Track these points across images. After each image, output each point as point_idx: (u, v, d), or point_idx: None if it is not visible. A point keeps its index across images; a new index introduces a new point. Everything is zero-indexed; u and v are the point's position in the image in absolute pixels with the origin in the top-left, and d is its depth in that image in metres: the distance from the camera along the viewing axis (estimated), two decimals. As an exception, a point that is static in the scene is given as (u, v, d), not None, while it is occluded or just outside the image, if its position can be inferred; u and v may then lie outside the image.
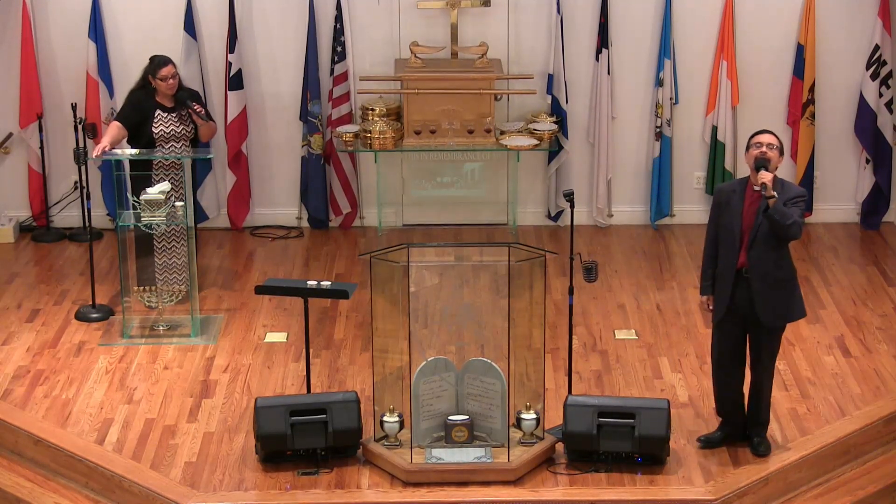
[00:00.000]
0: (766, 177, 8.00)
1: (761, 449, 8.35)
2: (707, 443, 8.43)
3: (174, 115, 10.05)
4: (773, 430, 8.61)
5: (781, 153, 8.18)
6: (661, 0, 11.44)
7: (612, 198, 11.90)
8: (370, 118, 11.33)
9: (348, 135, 11.26)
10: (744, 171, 11.86)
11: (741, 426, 8.45)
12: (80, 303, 10.38)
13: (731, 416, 8.45)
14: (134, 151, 9.93)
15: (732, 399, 8.42)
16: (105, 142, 9.86)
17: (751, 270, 8.08)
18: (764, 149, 8.09)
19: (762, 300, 8.09)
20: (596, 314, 10.26)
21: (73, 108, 11.22)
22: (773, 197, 7.94)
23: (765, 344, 8.22)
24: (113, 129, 10.00)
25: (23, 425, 8.70)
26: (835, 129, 11.76)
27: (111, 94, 11.44)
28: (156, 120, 10.01)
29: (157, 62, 10.03)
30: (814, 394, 9.08)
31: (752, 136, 8.24)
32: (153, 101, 10.07)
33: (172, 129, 10.02)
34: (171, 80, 10.00)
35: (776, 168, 8.12)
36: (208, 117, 10.20)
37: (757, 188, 8.03)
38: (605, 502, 7.98)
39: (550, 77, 11.55)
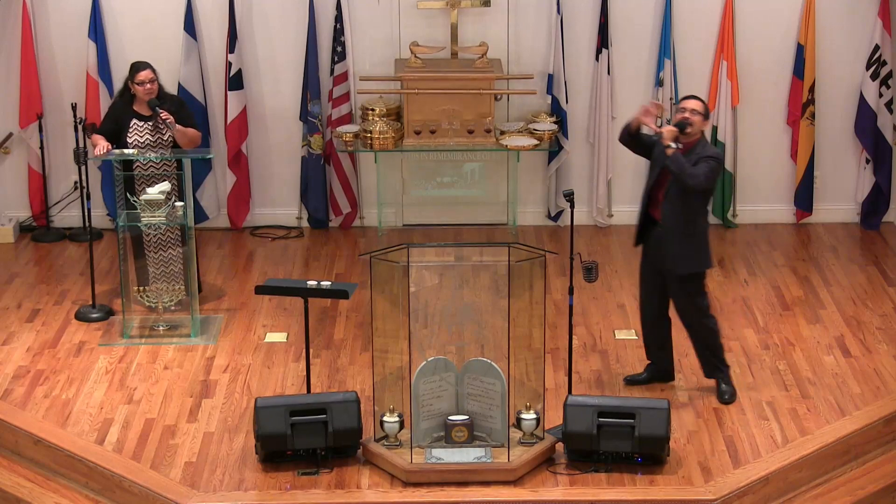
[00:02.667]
0: (665, 128, 8.64)
1: (725, 397, 9.00)
2: (632, 381, 9.16)
3: (149, 124, 9.96)
4: (773, 430, 8.62)
5: (706, 118, 8.80)
6: (661, 0, 11.45)
7: (612, 198, 11.90)
8: (370, 118, 11.33)
9: (348, 135, 11.26)
10: (744, 170, 11.92)
11: (665, 371, 9.19)
12: (80, 303, 10.38)
13: (656, 360, 9.17)
14: (132, 151, 9.90)
15: (657, 345, 9.14)
16: (103, 143, 9.83)
17: (664, 222, 8.75)
18: (687, 114, 8.71)
19: (670, 250, 8.74)
20: (596, 314, 10.26)
21: (73, 108, 11.22)
22: (670, 147, 8.54)
23: (678, 294, 8.88)
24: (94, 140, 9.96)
25: (23, 425, 8.70)
26: (835, 129, 11.76)
27: (111, 94, 11.41)
28: (130, 129, 9.93)
29: (135, 67, 9.94)
30: (814, 394, 9.08)
31: (681, 100, 8.94)
32: (130, 109, 9.97)
33: (147, 139, 9.95)
34: (148, 85, 9.89)
35: (699, 131, 8.72)
36: (191, 125, 10.00)
37: (655, 137, 8.71)
38: (605, 502, 7.98)
39: (550, 77, 11.55)
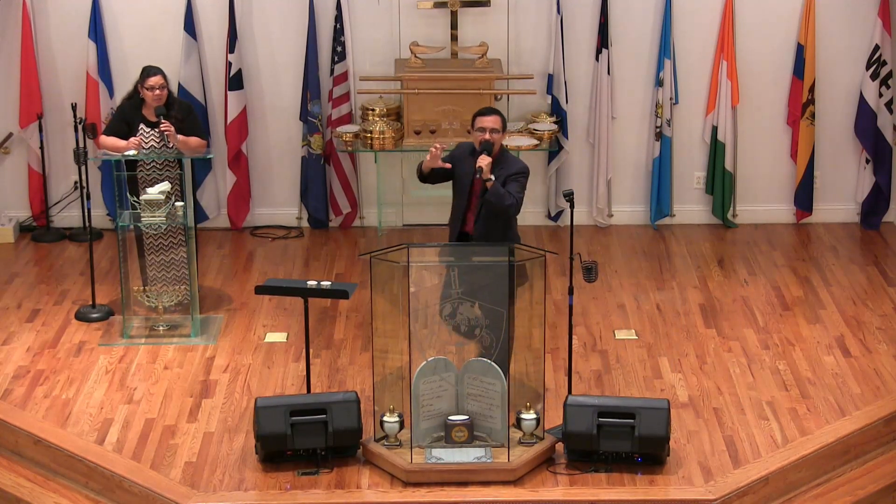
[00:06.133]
0: (482, 161, 8.51)
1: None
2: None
3: (156, 130, 9.94)
4: (773, 430, 8.62)
5: (504, 130, 8.73)
6: (661, 0, 11.45)
7: (612, 198, 11.90)
8: (370, 118, 11.33)
9: (348, 135, 11.27)
10: (744, 170, 11.92)
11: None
12: (80, 303, 10.38)
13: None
14: (133, 152, 9.90)
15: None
16: (125, 142, 9.84)
17: (478, 239, 8.66)
18: (487, 135, 8.62)
19: None
20: (596, 314, 10.26)
21: (73, 108, 11.22)
22: (490, 180, 8.48)
23: None
24: (110, 141, 9.95)
25: (23, 425, 8.70)
26: (835, 129, 11.76)
27: (111, 94, 11.44)
28: (137, 134, 9.95)
29: (146, 71, 9.90)
30: (814, 394, 9.08)
31: (476, 116, 8.79)
32: (139, 113, 9.97)
33: (152, 145, 9.95)
34: (157, 91, 9.86)
35: (499, 145, 8.67)
36: (196, 133, 9.99)
37: (476, 175, 8.52)
38: (605, 502, 7.99)
39: (550, 77, 11.55)
